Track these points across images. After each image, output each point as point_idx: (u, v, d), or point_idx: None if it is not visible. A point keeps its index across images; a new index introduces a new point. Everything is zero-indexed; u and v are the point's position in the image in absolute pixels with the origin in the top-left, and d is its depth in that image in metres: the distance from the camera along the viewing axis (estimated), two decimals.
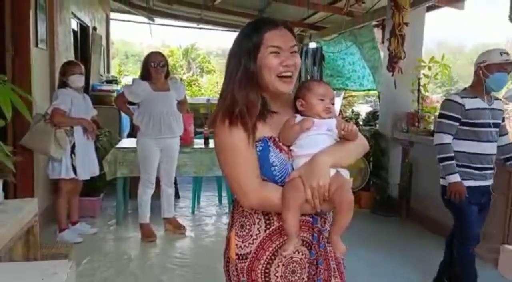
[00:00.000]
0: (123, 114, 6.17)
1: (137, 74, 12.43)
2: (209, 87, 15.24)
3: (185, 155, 4.26)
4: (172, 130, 3.84)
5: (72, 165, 3.63)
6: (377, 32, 5.75)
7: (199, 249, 3.82)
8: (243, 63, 1.28)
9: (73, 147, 3.65)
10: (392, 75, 4.39)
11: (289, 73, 1.28)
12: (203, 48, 20.27)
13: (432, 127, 4.50)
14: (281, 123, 1.32)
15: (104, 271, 3.21)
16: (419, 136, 4.51)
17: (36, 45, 3.86)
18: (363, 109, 7.28)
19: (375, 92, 6.27)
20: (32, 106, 3.43)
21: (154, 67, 3.73)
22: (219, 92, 1.39)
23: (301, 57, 7.32)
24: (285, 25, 1.31)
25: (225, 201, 5.05)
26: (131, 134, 6.04)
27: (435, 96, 5.57)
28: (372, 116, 5.52)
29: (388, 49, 4.28)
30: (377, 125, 5.37)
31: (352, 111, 6.81)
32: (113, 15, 8.60)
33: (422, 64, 4.56)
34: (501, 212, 3.55)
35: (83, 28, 6.16)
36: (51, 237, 3.68)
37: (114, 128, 5.51)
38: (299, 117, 1.32)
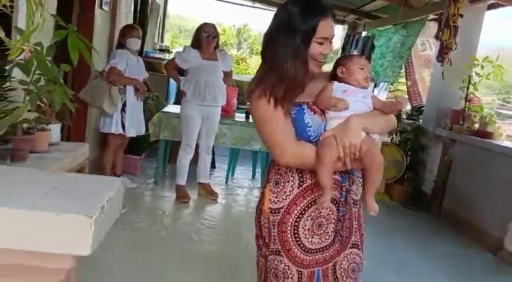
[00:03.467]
0: (170, 81, 6.41)
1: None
2: (256, 67, 15.32)
3: (225, 126, 4.41)
4: (215, 99, 3.98)
5: (122, 121, 3.88)
6: (434, 26, 5.61)
7: (228, 215, 4.01)
8: (296, 44, 1.35)
9: (124, 105, 3.89)
10: (441, 65, 4.32)
11: (323, 59, 1.40)
12: (255, 30, 20.31)
13: (477, 127, 4.41)
14: (316, 90, 1.42)
15: (139, 222, 3.45)
16: (462, 135, 4.43)
17: (101, 6, 4.09)
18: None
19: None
20: (94, 52, 3.67)
21: (206, 37, 3.87)
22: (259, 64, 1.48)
23: (350, 45, 7.35)
24: (332, 13, 1.40)
25: (258, 176, 5.19)
26: (177, 102, 6.28)
27: (485, 98, 5.39)
28: (417, 111, 5.44)
29: (440, 40, 4.20)
30: (421, 120, 5.30)
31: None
32: None
33: (475, 62, 4.45)
34: None
35: None
36: None
37: (162, 94, 5.74)
38: (336, 84, 1.41)
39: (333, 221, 1.41)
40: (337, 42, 9.67)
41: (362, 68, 1.41)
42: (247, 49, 19.62)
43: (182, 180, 4.15)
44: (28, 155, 2.12)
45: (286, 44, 1.36)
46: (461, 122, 4.51)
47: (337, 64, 1.46)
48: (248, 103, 1.50)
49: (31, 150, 2.17)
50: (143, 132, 4.20)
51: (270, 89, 1.35)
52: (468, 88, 4.46)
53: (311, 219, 1.39)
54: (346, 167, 1.35)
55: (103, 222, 0.93)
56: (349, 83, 1.41)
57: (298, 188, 1.39)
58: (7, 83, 2.12)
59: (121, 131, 3.89)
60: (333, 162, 1.32)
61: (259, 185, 5.00)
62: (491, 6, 4.83)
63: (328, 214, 1.41)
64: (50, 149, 2.36)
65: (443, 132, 4.75)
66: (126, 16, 5.05)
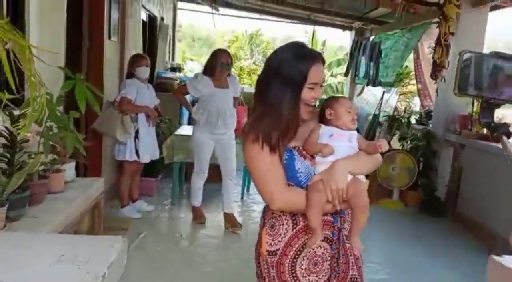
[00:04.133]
0: None
1: (201, 59, 12.74)
2: None
3: (237, 145, 4.50)
4: (227, 125, 4.01)
5: (136, 148, 4.03)
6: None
7: (245, 232, 4.09)
8: (288, 91, 1.42)
9: (137, 132, 4.04)
10: (435, 82, 4.35)
11: (313, 103, 1.48)
12: (268, 34, 20.46)
13: (485, 131, 4.40)
14: (305, 133, 1.49)
15: (156, 246, 3.58)
16: (471, 139, 4.43)
17: (109, 37, 4.27)
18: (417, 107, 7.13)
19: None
20: (103, 98, 3.85)
21: (221, 67, 3.92)
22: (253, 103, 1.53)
23: (358, 52, 7.39)
24: (321, 58, 1.49)
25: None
26: (190, 122, 6.43)
27: None
28: (426, 115, 5.45)
29: (433, 58, 4.22)
30: (430, 125, 5.30)
31: (405, 109, 6.72)
32: (180, 4, 9.02)
33: None
34: None
35: (152, 19, 6.59)
36: (113, 212, 4.13)
37: (174, 115, 5.91)
38: (323, 128, 1.48)
39: (328, 258, 1.48)
40: (346, 48, 9.69)
41: (349, 111, 1.48)
42: (260, 55, 19.76)
43: (197, 202, 4.24)
44: (45, 196, 2.28)
45: (278, 90, 1.43)
46: (469, 127, 4.51)
47: (325, 105, 1.52)
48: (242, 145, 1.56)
49: (48, 191, 2.33)
50: (157, 156, 4.34)
51: (264, 135, 1.42)
52: (454, 90, 4.44)
53: (307, 258, 1.46)
54: (336, 209, 1.43)
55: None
56: (336, 126, 1.48)
57: (292, 230, 1.46)
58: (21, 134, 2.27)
59: (135, 158, 4.04)
60: (322, 205, 1.39)
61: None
62: (494, 7, 4.82)
63: (323, 252, 1.47)
64: (65, 187, 2.52)
65: (453, 137, 4.75)
66: (135, 43, 5.23)
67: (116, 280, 1.17)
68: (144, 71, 4.08)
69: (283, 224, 1.47)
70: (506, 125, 0.90)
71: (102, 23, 4.10)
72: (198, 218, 4.20)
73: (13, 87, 1.20)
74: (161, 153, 4.48)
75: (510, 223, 3.77)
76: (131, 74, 4.08)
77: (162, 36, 6.95)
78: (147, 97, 4.16)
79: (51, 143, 2.19)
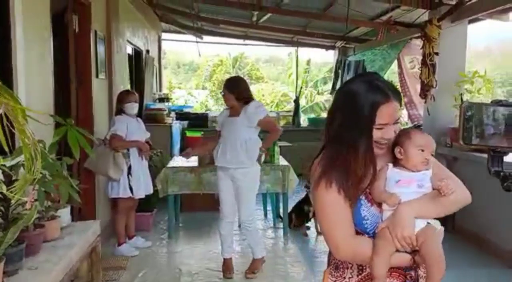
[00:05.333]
0: (173, 131, 6.59)
1: (188, 85, 12.81)
2: (258, 96, 15.57)
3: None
4: (238, 160, 3.50)
5: (129, 184, 3.99)
6: (420, 44, 5.73)
7: (245, 262, 4.03)
8: (362, 134, 1.31)
9: (129, 168, 4.01)
10: (425, 102, 4.43)
11: (385, 142, 1.35)
12: (252, 56, 20.73)
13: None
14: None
15: None
16: (463, 152, 4.47)
17: (97, 76, 4.28)
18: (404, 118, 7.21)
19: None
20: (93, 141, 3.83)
21: (222, 95, 3.69)
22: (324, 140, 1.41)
23: (342, 70, 7.50)
24: (395, 95, 1.34)
25: (270, 215, 5.25)
26: (183, 149, 6.42)
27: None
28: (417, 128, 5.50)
29: (420, 78, 4.31)
30: None
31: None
32: (164, 35, 9.12)
33: (465, 79, 4.53)
34: None
35: (137, 52, 6.64)
36: (110, 250, 4.06)
37: (165, 146, 5.90)
38: (390, 171, 1.34)
39: None
40: (330, 64, 9.82)
41: (422, 150, 1.32)
42: (245, 76, 19.98)
43: (226, 253, 3.74)
44: (41, 245, 2.23)
45: (350, 128, 1.33)
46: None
47: (396, 141, 1.36)
48: (310, 188, 1.43)
49: (44, 240, 2.28)
50: (151, 191, 4.31)
51: (339, 180, 1.31)
52: (459, 142, 4.51)
53: None
54: (415, 262, 1.30)
55: None
56: (405, 168, 1.34)
57: (358, 276, 1.37)
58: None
59: (129, 194, 4.00)
60: (389, 254, 1.27)
61: (271, 224, 5.07)
62: (472, 21, 4.95)
63: None
64: (62, 233, 2.47)
65: (445, 150, 4.79)
66: (122, 78, 5.24)
67: None
68: (132, 107, 4.08)
69: (348, 268, 1.39)
70: None
71: (89, 62, 4.12)
72: (224, 271, 3.71)
73: (6, 150, 1.18)
74: (154, 186, 4.44)
75: (507, 234, 3.79)
76: (120, 111, 4.07)
77: (148, 68, 6.99)
78: (137, 131, 4.15)
79: (44, 189, 2.17)
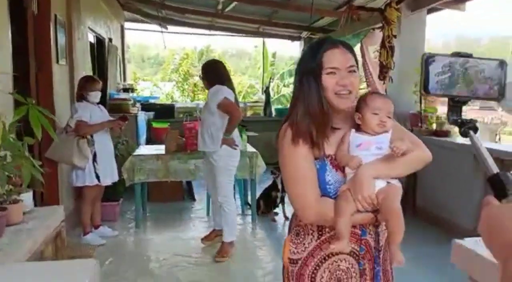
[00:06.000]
0: (139, 121, 6.48)
1: (154, 79, 12.59)
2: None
3: (198, 161, 4.45)
4: (205, 144, 3.66)
5: (95, 172, 3.91)
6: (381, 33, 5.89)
7: (214, 249, 4.05)
8: (308, 83, 1.37)
9: (94, 156, 3.93)
10: (384, 83, 4.57)
11: (345, 92, 1.36)
12: (218, 49, 20.58)
13: (434, 127, 4.64)
14: (339, 140, 1.41)
15: (125, 272, 3.47)
16: (422, 136, 4.65)
17: (57, 61, 4.15)
18: None
19: None
20: (55, 123, 3.72)
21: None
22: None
23: None
24: (344, 45, 1.39)
25: (237, 202, 5.28)
26: (148, 142, 6.34)
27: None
28: None
29: (379, 60, 4.44)
30: None
31: None
32: (127, 24, 8.92)
33: None
34: None
35: (100, 40, 6.46)
36: (76, 240, 3.97)
37: (132, 135, 5.80)
38: (352, 136, 1.38)
39: (353, 275, 1.40)
40: (296, 58, 9.92)
41: (376, 113, 1.36)
42: None
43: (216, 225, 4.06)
44: (4, 229, 2.16)
45: (302, 84, 1.39)
46: (419, 124, 4.74)
47: (355, 108, 1.41)
48: (276, 146, 1.45)
49: (6, 223, 2.21)
50: (116, 179, 4.23)
51: (302, 136, 1.35)
52: (420, 91, 4.69)
53: (329, 271, 1.38)
54: (374, 221, 1.35)
55: None
56: (366, 132, 1.38)
57: (317, 240, 1.40)
58: None
59: (96, 182, 3.92)
60: (351, 215, 1.30)
61: (239, 211, 5.10)
62: (431, 10, 5.13)
63: (347, 268, 1.39)
64: (25, 218, 2.40)
65: None
66: (84, 66, 5.11)
67: None
68: (96, 96, 4.00)
69: (308, 234, 1.41)
70: (473, 121, 0.96)
71: (49, 46, 3.99)
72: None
73: None
74: (120, 175, 4.38)
75: (466, 213, 3.98)
76: (81, 97, 3.97)
77: (112, 57, 6.83)
78: (100, 119, 4.06)
79: (6, 173, 2.10)
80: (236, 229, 4.01)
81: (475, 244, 1.28)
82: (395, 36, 4.33)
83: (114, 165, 4.19)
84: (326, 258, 1.38)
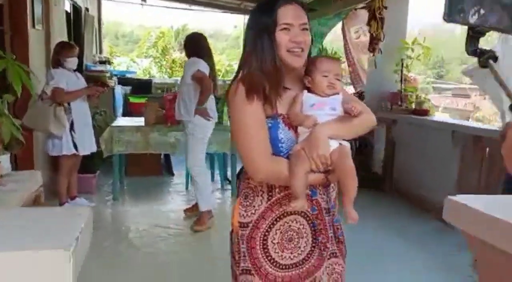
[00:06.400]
0: (116, 95, 6.33)
1: (130, 56, 12.26)
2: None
3: (178, 134, 4.41)
4: (180, 113, 3.77)
5: (73, 141, 3.80)
6: (365, 14, 5.90)
7: (192, 221, 4.04)
8: (261, 40, 1.34)
9: (71, 124, 3.81)
10: (373, 55, 4.60)
11: (298, 49, 1.34)
12: (195, 29, 20.21)
13: (413, 106, 4.72)
14: (291, 99, 1.39)
15: (104, 241, 3.42)
16: (401, 115, 4.73)
17: (33, 26, 3.98)
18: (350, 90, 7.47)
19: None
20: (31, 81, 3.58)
21: None
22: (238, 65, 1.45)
23: None
24: (297, 2, 1.36)
25: (217, 177, 5.26)
26: (125, 114, 6.21)
27: (420, 77, 5.78)
28: (359, 96, 5.70)
29: (369, 32, 4.47)
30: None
31: None
32: None
33: (406, 46, 4.75)
34: (472, 183, 3.82)
35: (76, 9, 6.23)
36: None
37: (109, 107, 5.66)
38: (306, 95, 1.37)
39: (305, 235, 1.40)
40: None
41: (325, 76, 1.35)
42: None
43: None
44: None
45: (254, 41, 1.36)
46: (399, 103, 4.81)
47: (305, 72, 1.40)
48: (227, 104, 1.43)
49: None
50: (95, 149, 4.13)
51: (252, 85, 1.32)
52: (402, 70, 4.76)
53: (280, 232, 1.37)
54: (325, 181, 1.35)
55: (79, 253, 0.98)
56: (316, 94, 1.37)
57: (267, 202, 1.38)
58: None
59: (74, 151, 3.82)
60: (305, 175, 1.29)
61: (219, 187, 5.08)
62: None
63: (298, 228, 1.39)
64: (2, 180, 2.32)
65: (385, 114, 5.03)
66: (60, 33, 4.92)
67: (85, 252, 1.10)
68: (74, 62, 3.87)
69: (258, 196, 1.39)
70: (492, 51, 0.96)
71: (24, 10, 3.82)
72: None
73: None
74: (98, 146, 4.27)
75: (443, 189, 4.10)
76: (57, 63, 3.82)
77: (88, 27, 6.60)
78: (77, 87, 3.93)
79: None
80: (211, 197, 3.95)
81: (467, 199, 1.30)
82: (385, 7, 4.36)
83: (92, 135, 4.09)
84: (278, 219, 1.37)
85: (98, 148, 4.24)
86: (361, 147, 5.27)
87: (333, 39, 7.94)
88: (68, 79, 3.80)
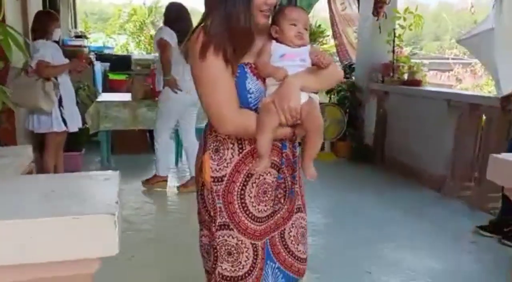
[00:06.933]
0: (96, 70, 6.06)
1: (103, 34, 11.77)
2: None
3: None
4: (156, 83, 3.93)
5: (62, 117, 3.60)
6: None
7: (185, 197, 3.94)
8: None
9: (60, 100, 3.60)
10: (377, 19, 4.54)
11: (268, 10, 1.31)
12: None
13: (406, 77, 4.69)
14: (259, 48, 1.33)
15: None
16: (393, 86, 4.69)
17: None
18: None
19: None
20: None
21: None
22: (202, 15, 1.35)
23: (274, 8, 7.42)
24: None
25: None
26: (105, 90, 5.96)
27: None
28: (348, 68, 5.64)
29: None
30: (353, 77, 5.51)
31: None
32: None
33: (397, 15, 4.68)
34: (468, 152, 3.84)
35: None
36: None
37: (90, 84, 5.42)
38: (274, 45, 1.32)
39: (277, 187, 1.40)
40: None
41: (294, 25, 1.31)
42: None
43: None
44: None
45: None
46: (391, 74, 4.77)
47: (272, 22, 1.36)
48: (187, 57, 1.35)
49: None
50: (81, 125, 3.94)
51: (219, 43, 1.25)
52: (394, 41, 4.71)
53: (256, 185, 1.36)
54: (292, 135, 1.33)
55: (120, 218, 0.87)
56: (285, 44, 1.32)
57: (239, 154, 1.34)
58: None
59: (64, 128, 3.63)
60: (274, 129, 1.26)
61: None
62: None
63: (272, 181, 1.38)
64: None
65: (376, 86, 5.00)
66: (36, 4, 4.62)
67: (121, 215, 1.00)
68: (58, 34, 3.66)
69: (228, 148, 1.34)
70: None
71: None
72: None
73: None
74: (83, 123, 4.08)
75: (436, 159, 4.12)
76: (43, 35, 3.56)
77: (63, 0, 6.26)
78: (61, 59, 3.70)
79: None
80: (166, 166, 4.05)
81: (510, 156, 1.26)
82: None
83: (77, 110, 3.88)
84: (251, 172, 1.34)
85: (83, 125, 4.05)
86: (352, 120, 5.24)
87: (320, 9, 7.79)
88: (53, 52, 3.57)
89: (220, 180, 1.33)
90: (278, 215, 1.42)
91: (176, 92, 3.67)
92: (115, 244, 0.79)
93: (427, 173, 4.22)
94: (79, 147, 4.52)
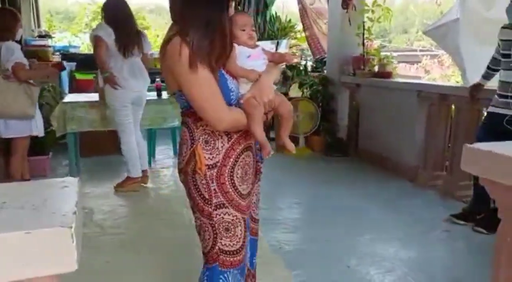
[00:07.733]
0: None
1: (68, 33, 11.44)
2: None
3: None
4: None
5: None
6: None
7: (160, 197, 3.86)
8: (224, 8, 1.42)
9: None
10: (347, 12, 4.54)
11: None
12: (135, 4, 19.22)
13: (376, 69, 4.72)
14: None
15: None
16: (364, 78, 4.72)
17: None
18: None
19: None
20: None
21: None
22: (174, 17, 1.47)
23: (243, 6, 7.34)
24: None
25: (171, 152, 5.07)
26: (71, 91, 5.76)
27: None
28: (320, 62, 5.65)
29: None
30: (325, 71, 5.52)
31: (301, 57, 6.94)
32: None
33: (366, 8, 4.70)
34: (439, 141, 3.90)
35: None
36: None
37: (56, 85, 5.22)
38: (239, 49, 1.49)
39: (252, 166, 1.61)
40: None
41: (243, 29, 1.50)
42: None
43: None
44: None
45: (210, 9, 1.41)
46: (362, 67, 4.79)
47: None
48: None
49: None
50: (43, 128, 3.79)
51: (203, 55, 1.39)
52: (363, 33, 4.72)
53: (241, 167, 1.55)
54: (267, 119, 1.57)
55: (79, 230, 0.80)
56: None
57: (228, 142, 1.52)
58: None
59: (38, 131, 3.50)
60: (261, 118, 1.49)
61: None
62: None
63: (250, 162, 1.59)
64: None
65: (348, 79, 5.01)
66: None
67: (82, 225, 0.93)
68: (20, 33, 3.49)
69: (218, 139, 1.51)
70: None
71: None
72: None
73: None
74: (48, 126, 3.92)
75: (409, 151, 4.16)
76: (9, 36, 3.38)
77: None
78: (24, 62, 3.54)
79: None
80: (136, 167, 3.93)
81: (485, 146, 1.26)
82: None
83: (39, 112, 3.73)
84: (238, 156, 1.53)
85: (48, 128, 3.90)
86: (326, 113, 5.25)
87: (289, 4, 7.77)
88: (20, 53, 3.41)
89: (213, 166, 1.50)
90: (253, 188, 1.65)
91: (116, 89, 3.65)
92: (73, 259, 0.73)
93: (400, 164, 4.27)
94: (46, 150, 4.36)
